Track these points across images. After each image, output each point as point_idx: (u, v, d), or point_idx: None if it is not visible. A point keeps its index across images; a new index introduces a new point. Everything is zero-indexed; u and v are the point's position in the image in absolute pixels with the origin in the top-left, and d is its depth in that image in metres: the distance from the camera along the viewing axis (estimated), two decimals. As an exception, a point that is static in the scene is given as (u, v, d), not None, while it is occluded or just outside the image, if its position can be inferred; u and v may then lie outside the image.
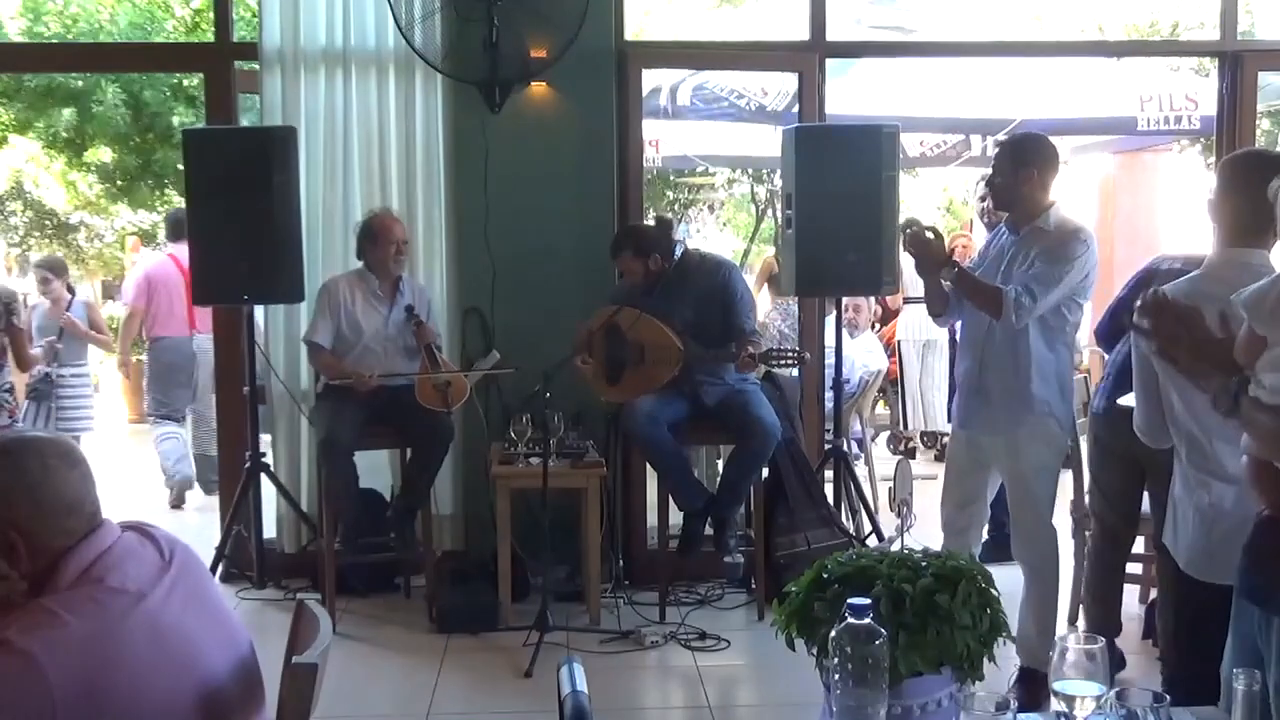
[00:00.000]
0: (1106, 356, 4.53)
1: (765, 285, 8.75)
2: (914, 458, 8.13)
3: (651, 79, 7.02)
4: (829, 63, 5.74)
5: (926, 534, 4.61)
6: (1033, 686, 3.93)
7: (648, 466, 5.46)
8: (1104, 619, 4.31)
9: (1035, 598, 4.08)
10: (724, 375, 5.05)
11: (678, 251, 5.28)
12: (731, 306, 5.03)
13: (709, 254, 5.69)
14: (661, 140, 8.83)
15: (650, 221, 5.37)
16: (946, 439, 8.44)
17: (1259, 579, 2.21)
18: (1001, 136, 8.48)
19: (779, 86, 7.50)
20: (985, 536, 4.52)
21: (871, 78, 7.72)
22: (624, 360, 5.08)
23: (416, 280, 5.36)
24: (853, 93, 7.28)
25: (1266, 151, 3.78)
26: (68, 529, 1.93)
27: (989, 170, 4.49)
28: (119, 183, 11.72)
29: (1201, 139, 10.13)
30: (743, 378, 5.05)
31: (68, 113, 10.49)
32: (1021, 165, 4.01)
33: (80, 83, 10.52)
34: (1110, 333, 4.28)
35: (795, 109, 5.95)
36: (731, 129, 8.58)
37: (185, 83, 10.52)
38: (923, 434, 8.62)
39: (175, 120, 10.57)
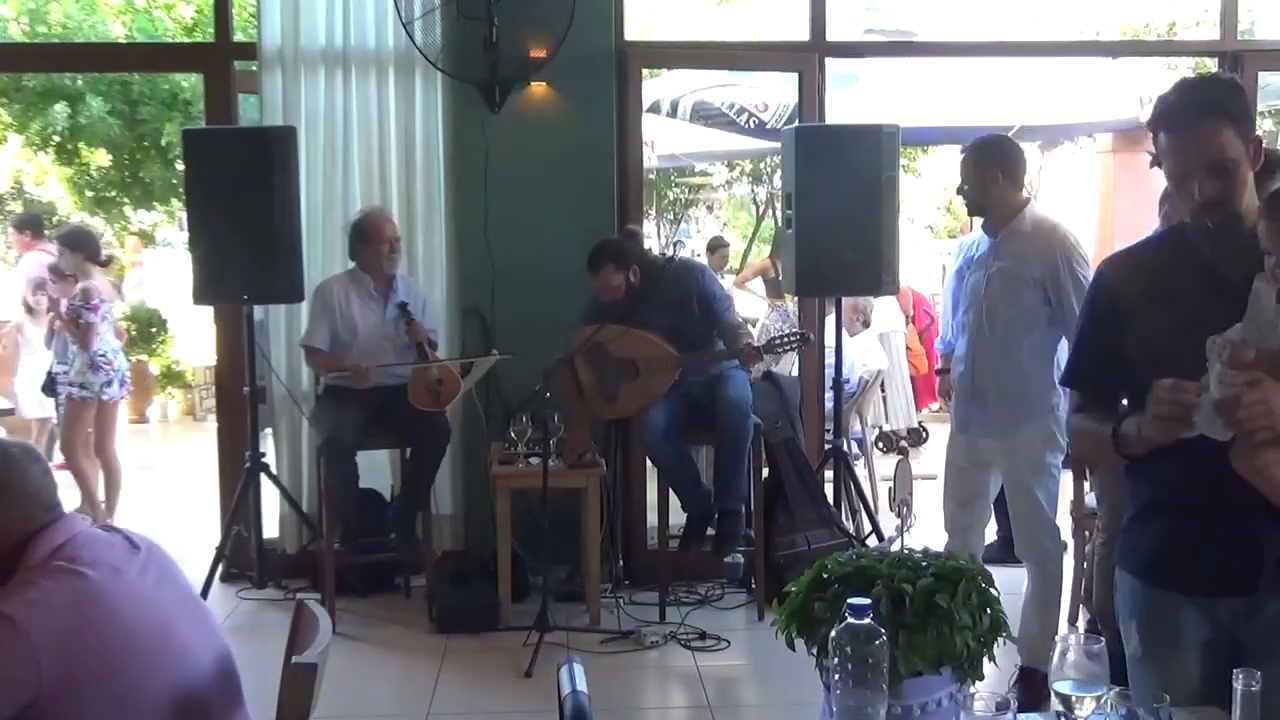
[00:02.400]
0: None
1: (757, 279, 8.75)
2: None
3: (651, 92, 7.02)
4: (830, 73, 5.73)
5: (926, 534, 4.62)
6: (1033, 686, 3.93)
7: (648, 466, 5.46)
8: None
9: (1038, 597, 4.08)
10: (707, 370, 5.05)
11: (678, 253, 5.29)
12: (710, 306, 5.03)
13: (676, 258, 5.70)
14: (658, 140, 8.82)
15: (618, 234, 5.33)
16: (904, 440, 8.47)
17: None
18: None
19: (779, 99, 7.50)
20: (995, 537, 4.49)
21: (873, 85, 7.73)
22: (616, 378, 5.07)
23: (414, 279, 5.35)
24: (855, 101, 7.29)
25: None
26: (28, 514, 1.99)
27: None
28: (105, 194, 11.73)
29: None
30: (726, 367, 5.05)
31: (59, 107, 10.47)
32: (986, 169, 4.02)
33: (80, 81, 10.52)
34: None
35: (794, 124, 5.96)
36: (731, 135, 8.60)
37: (180, 96, 10.53)
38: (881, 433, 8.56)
39: (169, 129, 10.55)
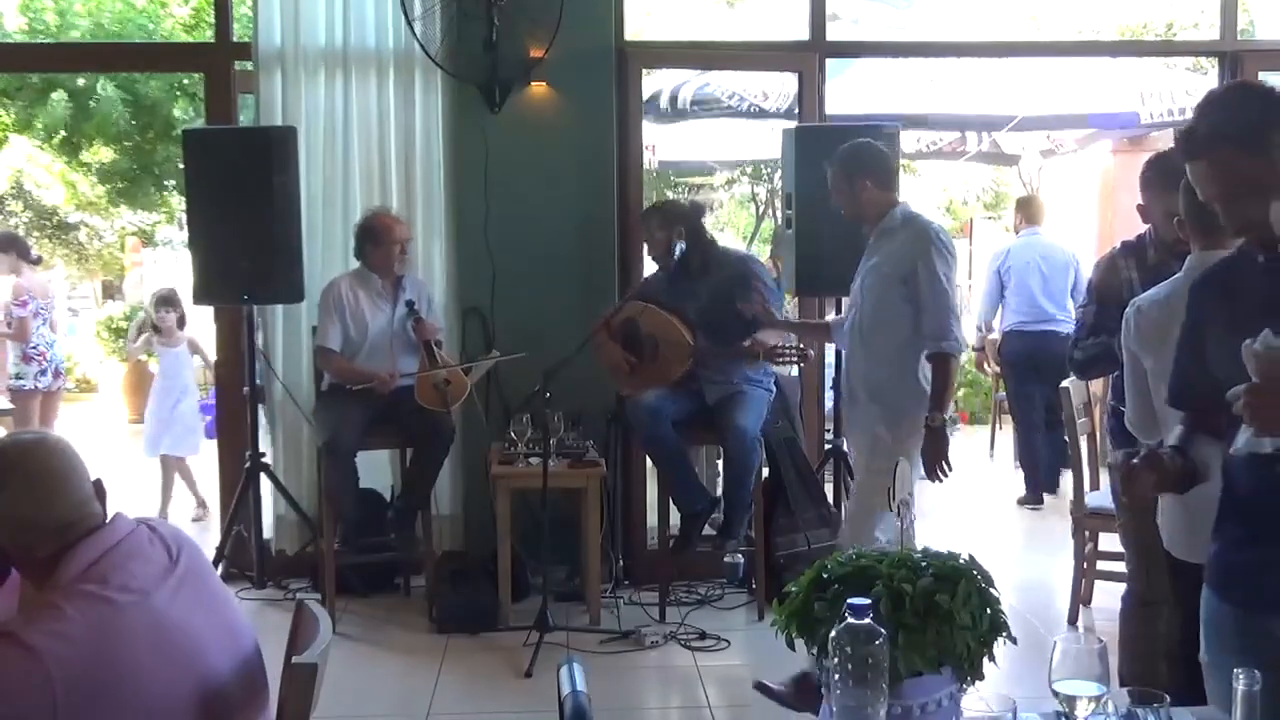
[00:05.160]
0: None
1: None
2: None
3: (651, 83, 7.04)
4: (829, 61, 5.74)
5: (927, 534, 4.61)
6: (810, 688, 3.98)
7: (648, 466, 5.46)
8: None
9: None
10: (730, 374, 5.03)
11: (678, 252, 5.28)
12: (749, 297, 4.98)
13: (733, 249, 5.72)
14: (659, 144, 8.84)
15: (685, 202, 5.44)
16: None
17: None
18: (1003, 132, 8.54)
19: (779, 89, 7.51)
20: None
21: (871, 76, 7.75)
22: (639, 354, 5.07)
23: (415, 275, 5.35)
24: (853, 92, 7.31)
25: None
26: (34, 541, 1.97)
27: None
28: (120, 185, 11.72)
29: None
30: (748, 379, 5.02)
31: (57, 97, 10.47)
32: (853, 175, 4.06)
33: (81, 81, 10.52)
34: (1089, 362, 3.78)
35: (795, 111, 5.97)
36: (731, 129, 8.61)
37: (186, 80, 10.53)
38: None
39: (176, 112, 10.56)
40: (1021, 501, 7.39)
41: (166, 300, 7.39)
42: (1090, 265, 8.88)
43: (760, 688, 4.18)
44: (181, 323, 7.38)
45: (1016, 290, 7.31)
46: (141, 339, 7.77)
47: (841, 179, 4.11)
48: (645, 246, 5.25)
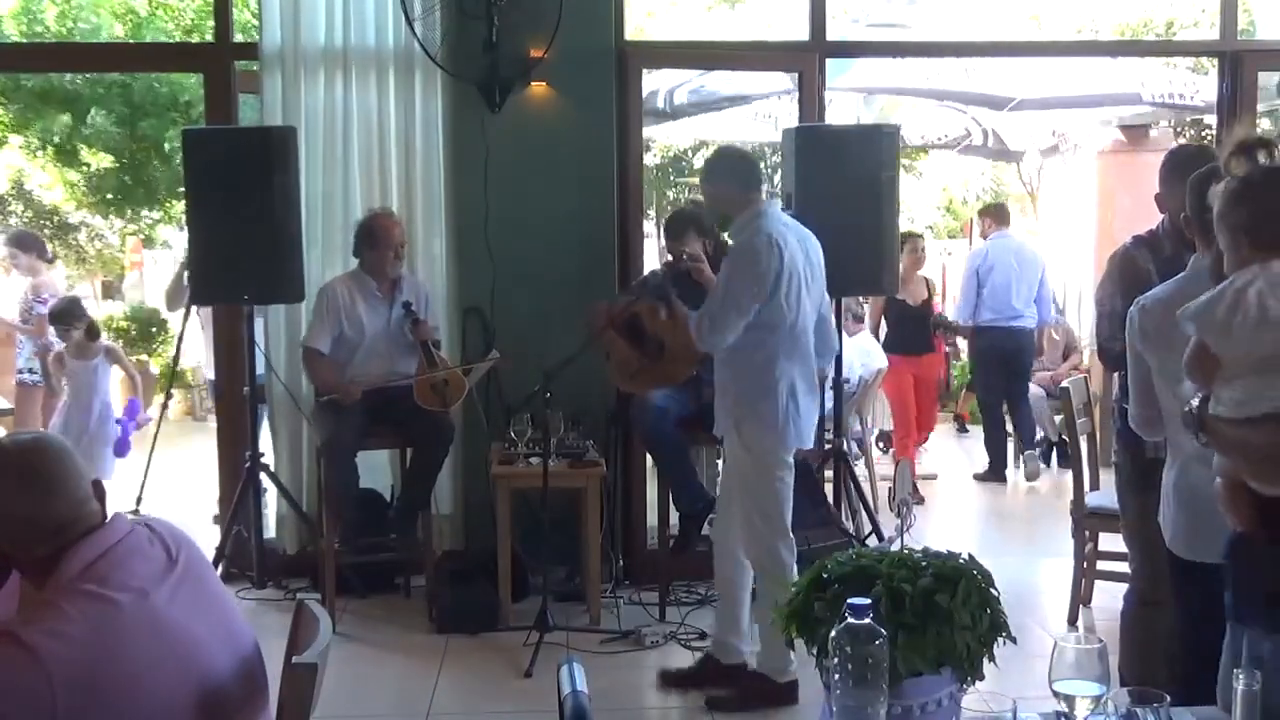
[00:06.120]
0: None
1: None
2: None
3: (649, 83, 7.05)
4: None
5: (927, 534, 4.61)
6: (761, 690, 4.08)
7: (648, 466, 5.46)
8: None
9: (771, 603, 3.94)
10: None
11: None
12: None
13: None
14: (658, 139, 8.87)
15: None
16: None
17: (1242, 604, 2.22)
18: (1005, 112, 8.59)
19: (778, 85, 7.53)
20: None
21: (872, 70, 7.79)
22: (643, 354, 5.05)
23: (415, 276, 5.35)
24: (854, 83, 7.36)
25: (1202, 148, 3.84)
26: (34, 539, 1.96)
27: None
28: (108, 195, 11.74)
29: (1202, 137, 10.15)
30: None
31: (63, 119, 10.51)
32: (714, 177, 4.20)
33: (80, 81, 10.50)
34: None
35: (793, 92, 5.99)
36: (729, 125, 8.65)
37: (180, 99, 10.53)
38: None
39: (170, 134, 10.56)
40: (979, 477, 7.96)
41: (61, 315, 6.74)
42: (1086, 266, 8.97)
43: (664, 676, 4.37)
44: (92, 333, 6.75)
45: (991, 289, 7.69)
46: (52, 358, 6.83)
47: (704, 182, 4.29)
48: (671, 257, 5.02)
